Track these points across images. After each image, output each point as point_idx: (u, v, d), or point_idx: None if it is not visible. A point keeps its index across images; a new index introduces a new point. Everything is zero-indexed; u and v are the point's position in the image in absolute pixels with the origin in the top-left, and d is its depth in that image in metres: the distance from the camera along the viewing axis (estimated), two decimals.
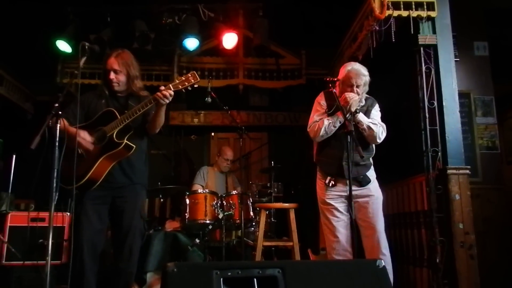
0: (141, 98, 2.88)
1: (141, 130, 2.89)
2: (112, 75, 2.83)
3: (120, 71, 2.85)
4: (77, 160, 2.52)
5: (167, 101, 2.66)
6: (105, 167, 2.72)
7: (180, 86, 2.67)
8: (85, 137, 2.70)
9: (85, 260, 2.63)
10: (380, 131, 3.02)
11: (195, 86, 2.70)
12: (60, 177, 2.47)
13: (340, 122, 2.99)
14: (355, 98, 2.95)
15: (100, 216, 2.76)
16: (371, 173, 3.10)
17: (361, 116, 3.01)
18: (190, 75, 2.69)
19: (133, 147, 2.74)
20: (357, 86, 3.02)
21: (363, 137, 3.04)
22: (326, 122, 3.02)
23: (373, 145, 3.14)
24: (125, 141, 2.71)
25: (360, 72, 3.05)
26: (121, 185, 2.80)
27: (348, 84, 3.02)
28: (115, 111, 2.76)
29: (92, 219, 2.70)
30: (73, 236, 2.63)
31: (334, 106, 3.04)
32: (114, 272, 2.76)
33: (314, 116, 3.15)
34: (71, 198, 2.50)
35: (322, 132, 3.01)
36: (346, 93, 2.98)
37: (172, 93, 2.65)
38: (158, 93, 2.64)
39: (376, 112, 3.16)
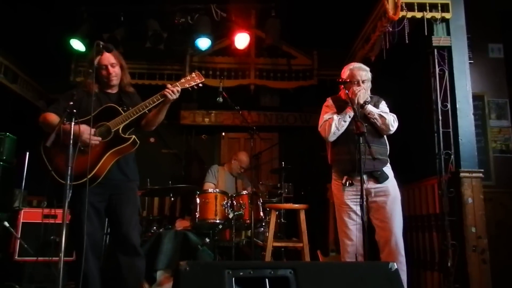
0: (130, 94, 2.94)
1: (137, 127, 2.88)
2: (111, 69, 2.84)
3: (116, 64, 2.87)
4: (79, 155, 2.49)
5: (175, 97, 2.73)
6: (109, 162, 2.70)
7: (187, 85, 2.80)
8: (90, 133, 2.60)
9: (89, 258, 2.63)
10: (392, 119, 3.03)
11: (200, 85, 2.84)
12: (59, 173, 2.51)
13: (349, 117, 3.01)
14: (362, 91, 3.01)
15: (99, 213, 2.74)
16: (389, 171, 3.06)
17: (370, 107, 3.04)
18: (195, 75, 2.83)
19: (138, 142, 2.74)
20: (363, 82, 3.08)
21: (376, 129, 3.04)
22: (336, 118, 3.05)
23: (386, 140, 3.12)
24: (133, 136, 2.72)
25: (362, 68, 3.15)
26: (117, 182, 2.78)
27: (354, 81, 3.08)
28: (118, 107, 2.77)
29: (92, 216, 2.68)
30: (74, 234, 2.62)
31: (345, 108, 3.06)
32: (123, 271, 2.71)
33: (323, 116, 3.16)
34: (65, 195, 2.42)
35: (333, 128, 3.02)
36: (353, 87, 3.04)
37: (180, 89, 2.74)
38: (167, 89, 2.71)
39: (384, 106, 3.17)
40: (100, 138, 2.68)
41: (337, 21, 5.01)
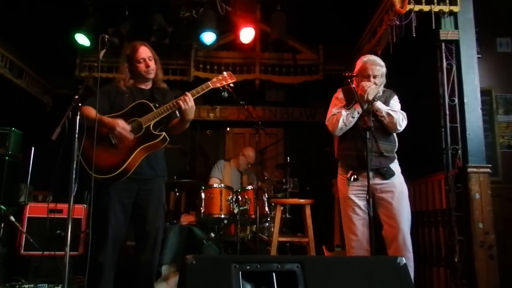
0: (162, 91, 2.97)
1: (166, 127, 2.91)
2: (149, 62, 2.87)
3: (152, 58, 2.90)
4: (111, 149, 2.65)
5: (186, 107, 2.71)
6: (139, 158, 2.73)
7: (218, 85, 2.85)
8: (124, 127, 2.69)
9: (108, 253, 2.65)
10: (400, 118, 2.96)
11: (231, 85, 2.90)
12: (91, 166, 2.55)
13: (358, 113, 2.94)
14: (372, 87, 2.93)
15: (125, 209, 2.76)
16: (396, 167, 3.01)
17: (379, 104, 2.98)
18: (226, 74, 2.87)
19: (168, 139, 2.78)
20: (374, 77, 3.00)
21: (383, 126, 2.99)
22: (344, 113, 2.98)
23: (395, 137, 3.07)
24: (163, 133, 2.75)
25: (376, 62, 3.05)
26: (147, 178, 2.82)
27: (365, 75, 3.01)
28: (149, 103, 2.79)
29: (118, 213, 2.72)
30: (97, 228, 2.67)
31: (353, 101, 2.98)
32: (137, 264, 2.78)
33: (332, 110, 3.11)
34: (89, 190, 2.50)
35: (340, 123, 2.97)
36: (362, 82, 2.96)
37: (189, 99, 2.72)
38: (181, 98, 2.72)
39: (395, 102, 3.11)
40: (132, 135, 2.71)
41: (343, 15, 4.98)
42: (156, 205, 2.83)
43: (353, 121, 2.97)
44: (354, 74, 3.04)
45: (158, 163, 2.88)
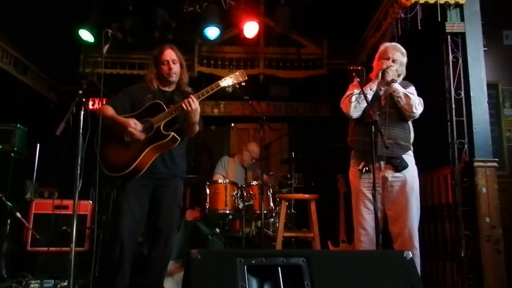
0: (184, 94, 2.99)
1: (181, 128, 2.93)
2: (172, 65, 2.93)
3: (177, 61, 2.96)
4: (124, 148, 2.72)
5: (189, 109, 2.72)
6: (150, 157, 2.78)
7: (229, 83, 2.88)
8: (136, 127, 2.76)
9: (125, 248, 2.67)
10: (417, 102, 2.91)
11: (242, 84, 2.93)
12: (105, 164, 2.69)
13: (370, 89, 2.90)
14: (393, 68, 2.91)
15: (140, 204, 2.80)
16: (410, 159, 2.96)
17: (397, 85, 2.93)
18: (238, 73, 2.90)
19: (178, 139, 2.80)
20: (393, 61, 2.97)
21: (399, 113, 2.95)
22: (356, 91, 2.92)
23: (410, 126, 3.03)
24: (172, 133, 2.77)
25: (397, 47, 3.04)
26: (162, 176, 2.86)
27: (384, 58, 2.98)
28: (163, 104, 2.84)
29: (133, 208, 2.76)
30: (113, 222, 2.70)
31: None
32: (148, 259, 2.82)
33: (346, 92, 3.06)
34: (94, 186, 2.52)
35: (353, 102, 2.92)
36: (382, 60, 2.94)
37: (193, 101, 2.72)
38: (185, 100, 2.73)
39: (412, 90, 3.04)
40: (143, 135, 2.77)
41: (347, 8, 4.93)
42: (171, 201, 2.87)
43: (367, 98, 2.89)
44: (359, 68, 3.01)
45: (175, 163, 2.92)
